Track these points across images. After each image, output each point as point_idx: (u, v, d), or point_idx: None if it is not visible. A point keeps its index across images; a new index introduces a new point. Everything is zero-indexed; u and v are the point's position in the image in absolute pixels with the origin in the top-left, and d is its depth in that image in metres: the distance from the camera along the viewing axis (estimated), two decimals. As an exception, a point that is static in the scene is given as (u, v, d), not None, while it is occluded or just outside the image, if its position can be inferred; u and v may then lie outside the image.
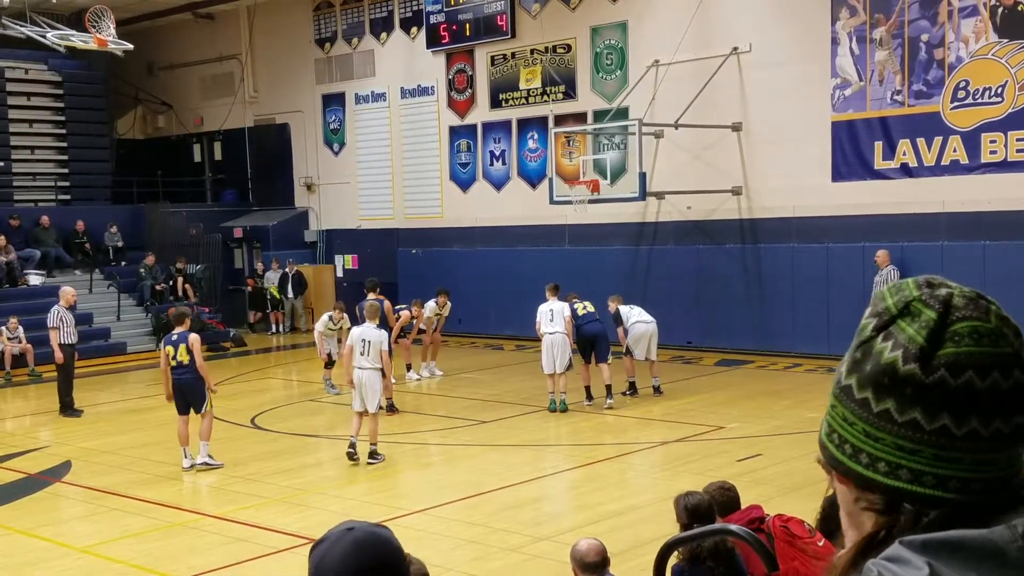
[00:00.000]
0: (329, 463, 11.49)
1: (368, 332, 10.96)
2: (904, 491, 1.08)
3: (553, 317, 13.15)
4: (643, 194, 16.73)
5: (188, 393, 10.93)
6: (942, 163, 15.58)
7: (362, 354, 10.80)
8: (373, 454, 10.94)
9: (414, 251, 22.27)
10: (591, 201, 17.39)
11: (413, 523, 8.36)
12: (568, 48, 19.86)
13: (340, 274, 23.90)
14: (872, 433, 1.10)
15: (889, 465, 1.09)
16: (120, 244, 22.86)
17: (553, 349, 13.05)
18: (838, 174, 16.59)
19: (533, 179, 20.59)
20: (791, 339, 16.31)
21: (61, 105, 24.46)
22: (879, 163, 16.19)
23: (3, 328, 18.27)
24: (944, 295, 1.11)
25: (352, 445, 10.90)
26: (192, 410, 10.96)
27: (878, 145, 16.17)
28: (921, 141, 15.73)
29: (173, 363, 10.90)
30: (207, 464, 11.04)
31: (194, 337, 11.04)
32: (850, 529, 1.15)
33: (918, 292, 1.12)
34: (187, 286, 22.28)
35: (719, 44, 17.53)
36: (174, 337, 11.05)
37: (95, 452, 12.01)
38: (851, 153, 16.43)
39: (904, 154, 15.92)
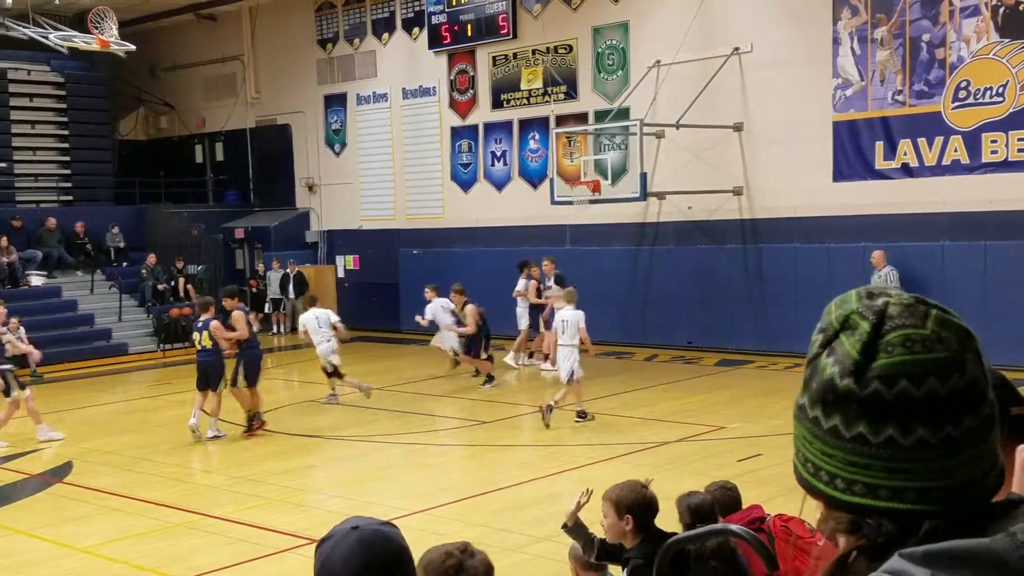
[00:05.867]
0: (331, 463, 11.50)
1: (567, 314, 12.28)
2: (862, 506, 1.07)
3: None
4: (644, 194, 16.74)
5: (209, 373, 12.34)
6: (943, 163, 15.57)
7: (563, 333, 12.17)
8: (581, 414, 12.37)
9: (415, 252, 22.28)
10: (592, 201, 17.40)
11: (414, 523, 8.36)
12: (569, 48, 19.87)
13: (341, 275, 23.91)
14: (826, 450, 1.10)
15: (845, 481, 1.08)
16: (122, 245, 22.88)
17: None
18: (839, 174, 16.59)
19: (534, 179, 20.59)
20: (792, 339, 16.28)
21: (63, 106, 24.48)
22: (880, 163, 16.19)
23: (4, 329, 18.25)
24: (879, 305, 1.10)
25: (549, 408, 12.08)
26: (209, 389, 12.32)
27: (879, 145, 16.17)
28: (922, 141, 15.72)
29: (198, 347, 12.45)
30: (216, 436, 12.37)
31: (215, 324, 12.33)
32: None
33: (857, 304, 1.12)
34: (189, 287, 22.29)
35: (720, 44, 17.53)
36: (199, 324, 12.52)
37: (96, 452, 12.02)
38: (852, 153, 16.43)
39: (905, 154, 15.92)
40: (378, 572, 1.84)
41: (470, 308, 15.38)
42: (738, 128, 17.52)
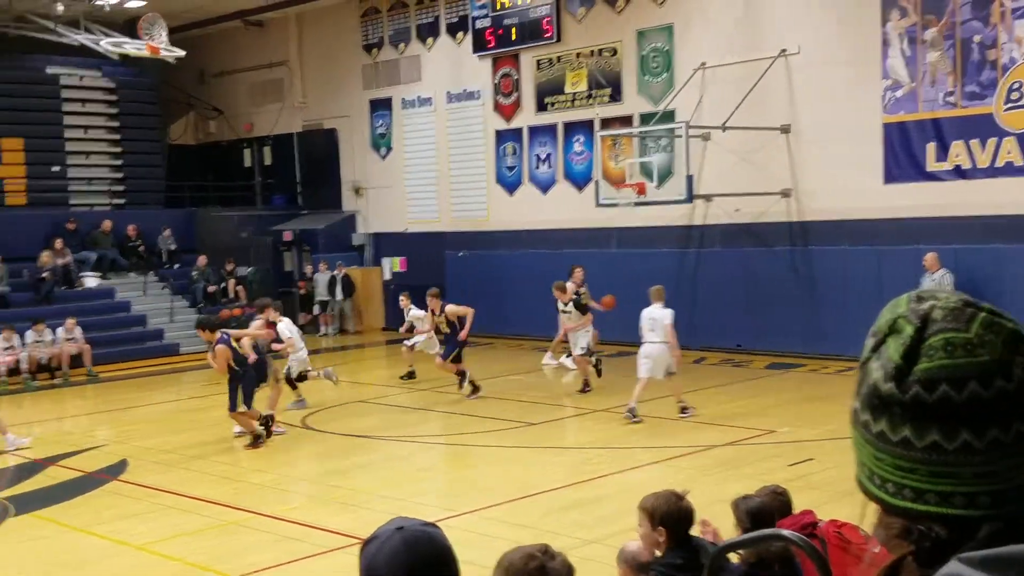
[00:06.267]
0: (379, 463, 11.58)
1: (655, 311, 12.47)
2: (911, 511, 1.07)
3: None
4: (690, 197, 16.67)
5: (256, 368, 12.74)
6: (996, 165, 15.33)
7: (651, 331, 12.39)
8: (683, 409, 12.74)
9: (461, 254, 22.38)
10: (638, 204, 17.35)
11: (461, 524, 8.41)
12: (614, 51, 19.84)
13: (387, 277, 24.08)
14: (876, 454, 1.11)
15: (895, 486, 1.09)
16: (173, 247, 23.25)
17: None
18: (890, 176, 16.40)
19: (579, 182, 20.59)
20: (843, 342, 16.10)
21: (115, 111, 24.92)
22: (932, 165, 15.98)
23: (60, 329, 18.65)
24: (925, 309, 1.10)
25: (684, 410, 12.68)
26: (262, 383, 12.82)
27: (931, 147, 15.96)
28: (975, 143, 15.49)
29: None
30: (277, 433, 12.54)
31: (255, 324, 13.16)
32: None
33: (905, 308, 1.12)
34: (239, 288, 22.59)
35: (767, 46, 17.42)
36: (255, 322, 13.36)
37: (151, 451, 12.22)
38: (903, 155, 16.23)
39: (957, 156, 15.70)
40: (422, 573, 1.86)
41: (451, 307, 14.96)
42: (785, 130, 17.39)
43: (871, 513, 1.16)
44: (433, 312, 15.33)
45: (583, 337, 14.88)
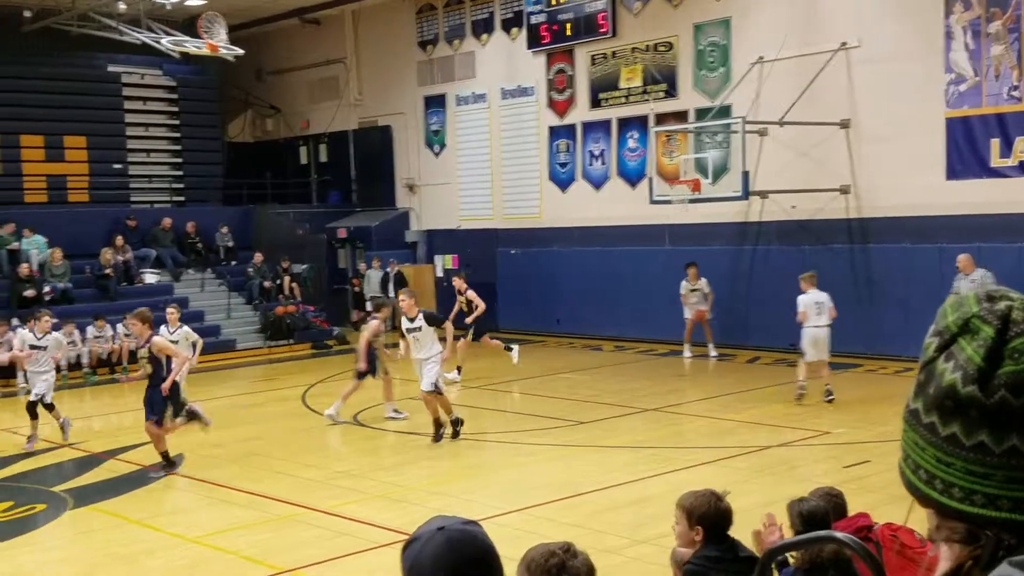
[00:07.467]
0: (427, 460, 11.61)
1: (819, 296, 13.09)
2: (981, 517, 1.05)
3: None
4: (746, 193, 16.45)
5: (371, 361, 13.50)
6: (1063, 160, 14.92)
7: (819, 315, 12.89)
8: (828, 392, 13.09)
9: (513, 251, 22.36)
10: (692, 200, 17.18)
11: (509, 522, 8.39)
12: (669, 46, 19.66)
13: (440, 274, 24.16)
14: (942, 458, 1.07)
15: (963, 491, 1.06)
16: (230, 244, 23.55)
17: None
18: (953, 172, 16.03)
19: (633, 179, 20.44)
20: (903, 342, 15.77)
21: (175, 109, 25.36)
22: (996, 161, 15.58)
23: (119, 325, 19.00)
24: (1003, 309, 1.06)
25: (829, 393, 13.09)
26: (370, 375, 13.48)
27: (994, 142, 15.57)
28: (1040, 138, 15.08)
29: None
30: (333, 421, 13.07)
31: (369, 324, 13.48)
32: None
33: (977, 308, 1.08)
34: (293, 285, 22.83)
35: (826, 40, 17.12)
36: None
37: (206, 445, 12.37)
38: (966, 150, 15.85)
39: (1022, 152, 15.29)
40: (467, 572, 1.85)
41: (157, 341, 11.46)
42: (845, 125, 17.08)
43: (917, 516, 1.15)
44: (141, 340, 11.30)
45: (431, 369, 11.70)
